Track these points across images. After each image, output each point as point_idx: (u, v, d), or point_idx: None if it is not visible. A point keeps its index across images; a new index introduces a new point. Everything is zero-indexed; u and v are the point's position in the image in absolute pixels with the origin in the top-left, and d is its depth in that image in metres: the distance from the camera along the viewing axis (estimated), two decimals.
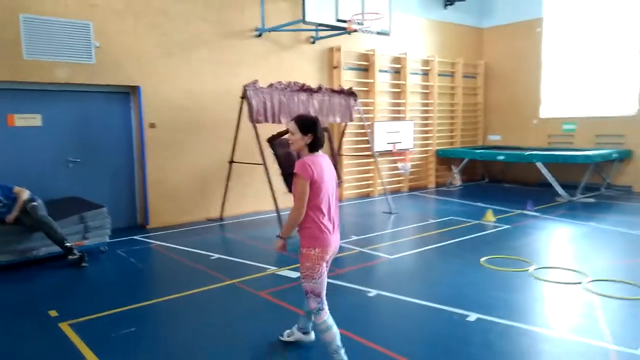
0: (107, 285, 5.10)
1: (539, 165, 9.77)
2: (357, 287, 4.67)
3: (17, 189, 5.52)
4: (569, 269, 5.20)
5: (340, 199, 9.44)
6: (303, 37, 9.19)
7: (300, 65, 9.15)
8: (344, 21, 8.03)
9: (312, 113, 7.55)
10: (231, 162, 7.85)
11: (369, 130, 9.21)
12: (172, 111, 7.67)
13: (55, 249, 5.59)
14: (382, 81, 10.50)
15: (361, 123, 9.25)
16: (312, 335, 3.47)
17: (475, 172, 12.70)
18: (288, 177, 7.36)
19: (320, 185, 2.97)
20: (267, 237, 6.88)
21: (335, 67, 9.64)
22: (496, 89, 12.65)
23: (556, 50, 11.55)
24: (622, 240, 6.52)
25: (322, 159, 3.08)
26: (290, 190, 7.41)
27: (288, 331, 3.56)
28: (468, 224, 7.44)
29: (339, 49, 9.53)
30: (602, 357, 3.32)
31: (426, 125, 11.57)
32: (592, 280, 4.79)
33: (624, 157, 10.30)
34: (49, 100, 6.83)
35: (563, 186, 9.67)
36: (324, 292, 3.09)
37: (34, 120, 6.74)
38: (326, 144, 7.52)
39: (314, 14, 7.72)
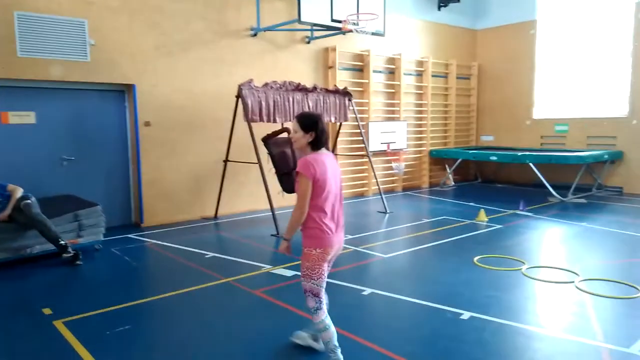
0: (102, 283, 5.09)
1: (532, 165, 9.85)
2: (351, 286, 4.70)
3: (10, 186, 5.49)
4: (561, 268, 5.26)
5: None
6: (298, 37, 9.21)
7: (296, 65, 9.17)
8: (339, 21, 8.06)
9: None
10: (226, 161, 7.85)
11: (363, 130, 9.24)
12: (167, 110, 7.66)
13: (50, 246, 5.57)
14: (377, 81, 10.54)
15: (356, 123, 9.28)
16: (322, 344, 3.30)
17: (468, 172, 12.78)
18: (283, 176, 7.38)
19: (323, 184, 2.93)
20: (261, 236, 6.89)
21: (330, 67, 9.66)
22: (490, 90, 12.73)
23: (549, 52, 11.65)
24: (613, 240, 6.60)
25: (325, 157, 3.02)
26: (285, 190, 7.45)
27: (300, 333, 3.46)
28: (461, 224, 7.49)
29: (334, 49, 9.56)
30: (594, 356, 3.37)
31: (420, 125, 11.62)
32: (584, 280, 4.85)
33: (615, 158, 10.40)
34: (44, 98, 6.80)
35: (555, 187, 9.76)
36: (323, 292, 3.08)
37: (28, 117, 6.70)
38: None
39: (309, 14, 7.74)
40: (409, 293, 4.55)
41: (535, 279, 4.93)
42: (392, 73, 10.89)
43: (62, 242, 5.51)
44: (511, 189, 11.19)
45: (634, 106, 10.25)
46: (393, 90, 10.94)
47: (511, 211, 8.42)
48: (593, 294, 4.46)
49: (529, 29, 11.78)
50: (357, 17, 8.16)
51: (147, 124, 7.46)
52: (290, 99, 7.55)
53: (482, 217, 7.68)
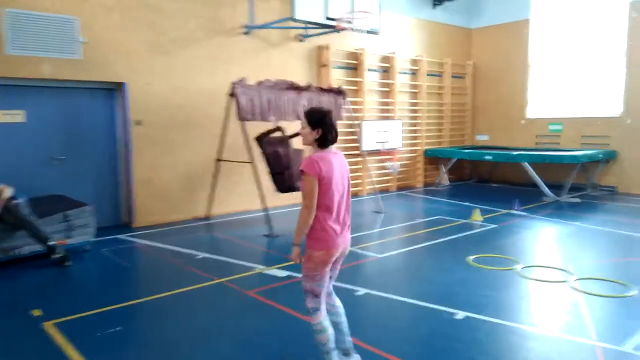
0: (92, 284, 5.02)
1: (526, 165, 9.86)
2: (345, 286, 4.65)
3: (0, 186, 5.41)
4: (555, 268, 5.25)
5: None
6: (292, 35, 9.16)
7: (289, 63, 9.11)
8: (334, 19, 8.02)
9: (301, 112, 7.50)
10: (219, 160, 7.79)
11: (357, 129, 9.20)
12: (160, 108, 7.58)
13: (39, 247, 5.49)
14: (371, 80, 10.50)
15: (350, 122, 9.25)
16: (357, 356, 3.15)
17: (463, 172, 12.78)
18: (276, 175, 7.33)
19: (329, 183, 2.81)
20: (254, 236, 6.84)
21: (323, 66, 9.62)
22: (484, 89, 12.73)
23: (543, 51, 11.66)
24: (607, 240, 6.60)
25: (333, 155, 2.90)
26: (278, 189, 7.40)
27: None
28: (456, 223, 7.47)
29: (328, 48, 9.51)
30: (587, 354, 3.36)
31: (415, 124, 11.60)
32: (578, 279, 4.84)
33: (609, 157, 10.42)
34: (34, 96, 6.71)
35: (549, 186, 9.76)
36: (324, 293, 2.99)
37: (18, 116, 6.61)
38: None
39: (303, 12, 7.69)
40: (403, 293, 4.52)
41: (529, 279, 4.91)
42: (386, 72, 10.86)
43: (52, 242, 5.44)
44: (506, 189, 11.19)
45: (628, 106, 10.27)
46: (387, 89, 10.91)
47: (506, 211, 8.42)
48: (587, 293, 4.44)
49: (523, 28, 11.79)
50: (352, 14, 8.11)
51: (138, 122, 7.39)
52: (284, 98, 7.49)
53: (477, 216, 7.67)
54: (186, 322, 3.96)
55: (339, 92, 8.37)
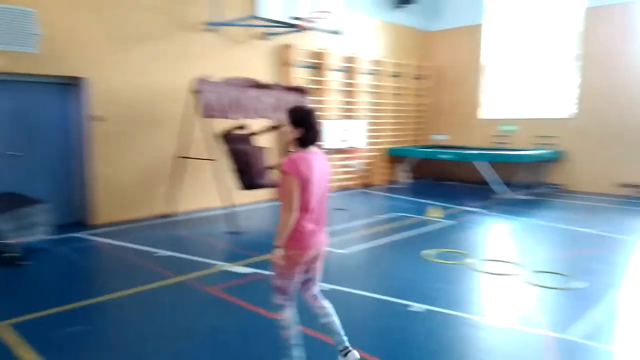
0: (49, 284, 4.92)
1: (477, 164, 10.29)
2: None
3: None
4: (508, 261, 5.52)
5: None
6: (257, 33, 9.16)
7: (253, 62, 9.11)
8: (297, 18, 8.07)
9: (264, 109, 7.53)
10: (180, 157, 7.73)
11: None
12: (120, 104, 7.45)
13: None
14: (334, 80, 10.65)
15: None
16: (355, 354, 3.11)
17: (422, 170, 13.11)
18: (240, 173, 7.35)
19: (307, 184, 2.77)
20: (218, 233, 6.85)
21: (288, 64, 9.67)
22: (444, 91, 13.11)
23: (498, 54, 12.13)
24: (557, 235, 6.99)
25: (314, 155, 2.87)
26: (243, 186, 7.41)
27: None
28: (415, 220, 7.71)
29: (291, 47, 9.57)
30: (536, 342, 3.59)
31: (377, 124, 11.82)
32: (528, 271, 5.11)
33: (559, 157, 10.98)
34: None
35: (503, 184, 10.18)
36: (294, 292, 2.98)
37: None
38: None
39: (266, 10, 7.72)
40: (363, 287, 4.67)
41: (481, 272, 5.16)
42: (349, 72, 11.03)
43: (6, 241, 5.28)
44: (463, 187, 11.59)
45: (578, 107, 10.81)
46: (351, 89, 11.08)
47: (462, 207, 8.74)
48: (535, 285, 4.71)
49: (476, 32, 12.25)
50: (315, 14, 8.18)
51: (98, 118, 7.24)
52: (248, 95, 7.49)
53: (435, 213, 7.94)
54: (148, 321, 3.97)
55: (301, 90, 8.45)
